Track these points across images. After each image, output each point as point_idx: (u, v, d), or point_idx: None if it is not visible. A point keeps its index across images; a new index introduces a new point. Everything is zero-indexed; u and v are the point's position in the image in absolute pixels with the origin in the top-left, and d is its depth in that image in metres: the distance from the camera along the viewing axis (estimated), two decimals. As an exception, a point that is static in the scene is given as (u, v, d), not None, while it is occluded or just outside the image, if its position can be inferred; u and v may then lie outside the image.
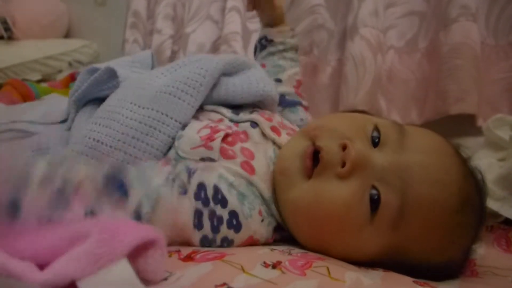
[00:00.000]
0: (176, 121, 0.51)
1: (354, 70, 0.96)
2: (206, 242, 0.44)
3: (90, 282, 0.27)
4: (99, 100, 0.56)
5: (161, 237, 0.32)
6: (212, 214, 0.43)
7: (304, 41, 1.11)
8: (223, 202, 0.44)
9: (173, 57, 1.36)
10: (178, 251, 0.41)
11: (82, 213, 0.34)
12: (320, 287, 0.35)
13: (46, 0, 1.83)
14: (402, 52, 1.01)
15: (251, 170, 0.48)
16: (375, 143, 0.45)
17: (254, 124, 0.53)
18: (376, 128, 0.46)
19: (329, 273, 0.38)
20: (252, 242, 0.47)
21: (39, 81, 1.56)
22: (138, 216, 0.39)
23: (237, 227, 0.45)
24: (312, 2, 1.10)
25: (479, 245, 0.56)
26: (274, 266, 0.37)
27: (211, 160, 0.48)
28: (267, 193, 0.49)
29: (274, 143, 0.52)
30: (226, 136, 0.50)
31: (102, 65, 0.60)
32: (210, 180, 0.45)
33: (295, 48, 0.78)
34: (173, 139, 0.51)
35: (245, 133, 0.52)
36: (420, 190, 0.42)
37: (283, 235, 0.50)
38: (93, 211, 0.35)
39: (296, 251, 0.45)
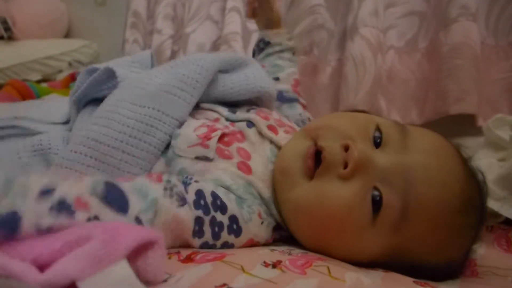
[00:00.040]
0: (172, 118, 0.51)
1: (354, 70, 0.97)
2: (206, 247, 0.44)
3: (90, 283, 0.27)
4: (100, 101, 0.56)
5: (161, 237, 0.32)
6: (213, 221, 0.43)
7: (304, 41, 1.11)
8: (223, 208, 0.44)
9: (173, 57, 1.36)
10: (178, 253, 0.41)
11: (84, 219, 0.33)
12: (320, 286, 0.35)
13: (46, 0, 1.83)
14: (402, 52, 1.01)
15: (248, 170, 0.48)
16: (377, 143, 0.45)
17: (250, 123, 0.53)
18: (378, 128, 0.46)
19: (329, 272, 0.38)
20: (252, 244, 0.47)
21: (39, 81, 1.56)
22: (136, 220, 0.38)
23: (237, 232, 0.45)
24: (312, 2, 1.10)
25: (479, 245, 0.56)
26: (274, 266, 0.37)
27: (207, 159, 0.48)
28: (267, 193, 0.48)
29: (271, 142, 0.52)
30: (223, 135, 0.50)
31: (101, 66, 0.60)
32: (208, 187, 0.44)
33: (292, 50, 0.80)
34: (170, 136, 0.51)
35: (241, 133, 0.52)
36: (423, 191, 0.42)
37: (282, 234, 0.50)
38: (96, 218, 0.34)
39: (296, 251, 0.45)
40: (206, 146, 0.48)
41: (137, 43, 1.44)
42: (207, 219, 0.43)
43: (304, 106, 0.74)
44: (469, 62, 0.86)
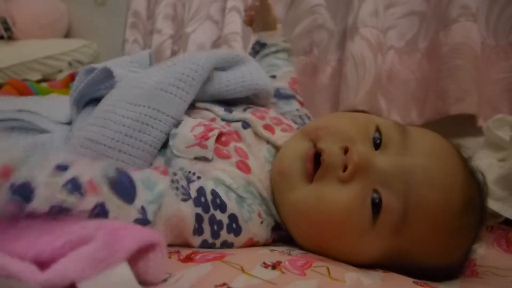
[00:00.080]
0: (168, 116, 0.51)
1: (354, 70, 0.96)
2: (206, 246, 0.44)
3: (90, 284, 0.27)
4: (99, 101, 0.56)
5: (162, 240, 0.32)
6: (212, 219, 0.43)
7: (304, 41, 1.11)
8: (222, 207, 0.44)
9: (173, 57, 1.36)
10: (178, 252, 0.41)
11: (92, 206, 0.34)
12: (320, 287, 0.35)
13: (46, 0, 1.83)
14: (402, 52, 1.01)
15: (247, 169, 0.48)
16: (377, 144, 0.45)
17: (246, 124, 0.53)
18: (378, 129, 0.46)
19: (329, 273, 0.38)
20: (252, 244, 0.47)
21: (39, 81, 1.56)
22: (141, 218, 0.39)
23: (237, 231, 0.45)
24: (312, 2, 1.10)
25: (479, 245, 0.56)
26: (274, 267, 0.37)
27: (206, 159, 0.48)
28: (265, 193, 0.48)
29: (268, 142, 0.52)
30: (220, 135, 0.50)
31: (99, 65, 0.60)
32: (208, 185, 0.45)
33: (287, 51, 0.81)
34: (166, 134, 0.51)
35: (237, 133, 0.52)
36: (423, 193, 0.41)
37: (281, 234, 0.50)
38: (102, 205, 0.35)
39: (296, 251, 0.45)
40: (204, 147, 0.48)
41: (137, 43, 1.44)
42: (206, 217, 0.43)
43: (301, 103, 0.74)
44: (469, 62, 0.86)
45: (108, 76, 0.58)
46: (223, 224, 0.44)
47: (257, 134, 0.52)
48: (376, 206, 0.42)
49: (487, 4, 0.91)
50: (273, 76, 0.75)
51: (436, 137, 0.47)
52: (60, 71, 1.66)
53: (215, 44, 1.30)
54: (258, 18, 0.81)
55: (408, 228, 0.42)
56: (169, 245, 0.36)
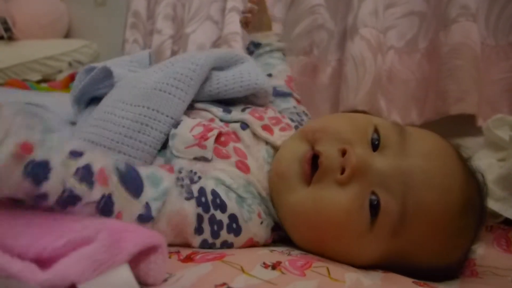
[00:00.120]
0: (167, 116, 0.51)
1: (354, 70, 0.96)
2: (206, 245, 0.44)
3: (90, 285, 0.27)
4: (100, 99, 0.56)
5: (164, 242, 0.32)
6: (212, 219, 0.43)
7: (304, 41, 1.11)
8: (223, 207, 0.44)
9: (172, 57, 1.36)
10: (178, 252, 0.41)
11: (98, 197, 0.34)
12: (320, 287, 0.35)
13: (46, 0, 1.83)
14: (402, 53, 1.01)
15: (247, 169, 0.48)
16: (375, 145, 0.45)
17: (245, 125, 0.53)
18: (376, 130, 0.46)
19: (329, 273, 0.38)
20: (251, 244, 0.47)
21: (39, 81, 1.56)
22: (144, 214, 0.39)
23: (237, 231, 0.45)
24: (312, 2, 1.10)
25: (479, 245, 0.56)
26: (273, 267, 0.37)
27: (205, 159, 0.48)
28: (264, 193, 0.48)
29: (267, 142, 0.52)
30: (220, 135, 0.50)
31: (99, 65, 0.60)
32: (209, 185, 0.45)
33: (282, 50, 0.82)
34: (166, 135, 0.51)
35: (235, 134, 0.52)
36: (422, 195, 0.41)
37: (281, 235, 0.50)
38: (110, 196, 0.35)
39: (296, 252, 0.45)
40: (204, 147, 0.48)
41: (137, 43, 1.44)
42: (206, 216, 0.43)
43: (298, 101, 0.74)
44: (469, 63, 0.86)
45: (107, 75, 0.58)
46: (223, 224, 0.44)
47: (255, 135, 0.52)
48: (374, 208, 0.42)
49: (487, 4, 0.91)
50: (269, 75, 0.75)
51: (435, 137, 0.47)
52: (60, 71, 1.66)
53: (215, 44, 1.30)
54: (254, 19, 0.82)
55: (407, 230, 0.42)
56: (169, 245, 0.36)
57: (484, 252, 0.58)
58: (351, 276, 0.39)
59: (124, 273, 0.29)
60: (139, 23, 1.45)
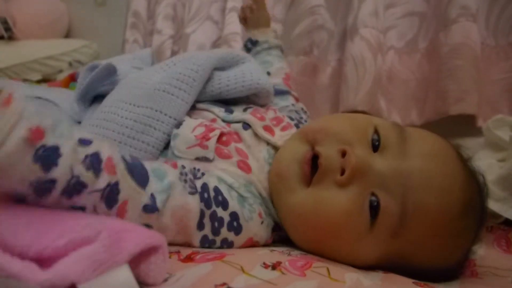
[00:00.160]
0: (170, 117, 0.51)
1: (354, 70, 0.96)
2: (206, 243, 0.44)
3: (90, 286, 0.27)
4: (104, 97, 0.56)
5: (164, 242, 0.32)
6: (214, 215, 0.43)
7: (304, 41, 1.11)
8: (224, 204, 0.44)
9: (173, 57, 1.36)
10: (178, 252, 0.41)
11: (104, 184, 0.34)
12: (320, 287, 0.35)
13: (46, 0, 1.83)
14: (402, 53, 1.01)
15: (248, 169, 0.48)
16: (375, 146, 0.45)
17: (246, 125, 0.53)
18: (376, 131, 0.45)
19: (329, 273, 0.38)
20: (251, 244, 0.47)
21: (39, 81, 1.56)
22: (150, 204, 0.38)
23: (237, 229, 0.45)
24: (312, 3, 1.10)
25: (479, 246, 0.56)
26: (274, 267, 0.37)
27: (207, 159, 0.48)
28: (264, 193, 0.48)
29: (268, 143, 0.52)
30: (221, 135, 0.50)
31: (102, 62, 0.61)
32: (212, 182, 0.45)
33: (279, 47, 0.82)
34: (168, 136, 0.51)
35: (237, 134, 0.52)
36: (422, 196, 0.41)
37: (281, 235, 0.50)
38: (116, 184, 0.35)
39: (296, 252, 0.45)
40: (205, 147, 0.48)
41: (137, 43, 1.44)
42: (207, 212, 0.43)
43: (296, 98, 0.74)
44: (469, 63, 0.86)
45: (111, 72, 0.58)
46: (224, 221, 0.44)
47: (257, 135, 0.52)
48: (374, 209, 0.42)
49: (487, 4, 0.91)
50: (267, 73, 0.75)
51: (435, 138, 0.47)
52: (60, 71, 1.66)
53: (215, 45, 1.30)
54: (252, 16, 0.82)
55: (407, 231, 0.42)
56: (170, 245, 0.36)
57: (484, 253, 0.58)
58: (351, 276, 0.39)
59: (124, 273, 0.29)
60: (139, 23, 1.45)
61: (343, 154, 0.43)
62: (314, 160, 0.45)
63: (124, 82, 0.56)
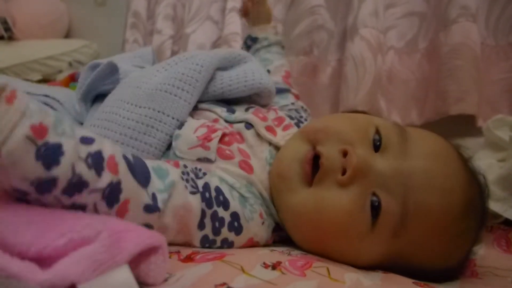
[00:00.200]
0: (173, 118, 0.51)
1: (354, 70, 0.96)
2: (206, 242, 0.44)
3: (90, 286, 0.27)
4: (106, 96, 0.56)
5: (164, 242, 0.32)
6: (215, 215, 0.43)
7: (304, 41, 1.11)
8: (225, 204, 0.44)
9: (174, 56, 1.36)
10: (178, 252, 0.41)
11: (106, 183, 0.33)
12: (320, 287, 0.35)
13: (46, 0, 1.83)
14: (402, 53, 1.01)
15: (250, 169, 0.48)
16: (377, 146, 0.45)
17: (249, 125, 0.52)
18: (378, 131, 0.45)
19: (329, 273, 0.38)
20: (252, 244, 0.47)
21: (39, 81, 1.56)
22: (151, 204, 0.38)
23: (238, 230, 0.45)
24: (312, 3, 1.10)
25: (480, 246, 0.56)
26: (274, 267, 0.37)
27: (208, 160, 0.48)
28: (265, 194, 0.48)
29: (270, 143, 0.52)
30: (223, 136, 0.50)
31: (104, 61, 0.60)
32: (213, 182, 0.45)
33: (279, 44, 0.81)
34: (171, 137, 0.51)
35: (240, 134, 0.52)
36: (423, 196, 0.41)
37: (281, 235, 0.50)
38: (118, 183, 0.35)
39: (296, 252, 0.45)
40: (207, 148, 0.48)
41: (137, 43, 1.44)
42: (209, 212, 0.43)
43: (296, 96, 0.73)
44: (469, 63, 0.86)
45: (113, 70, 0.58)
46: (225, 221, 0.44)
47: (259, 135, 0.52)
48: (375, 209, 0.42)
49: (487, 4, 0.91)
50: (267, 71, 0.75)
51: (436, 138, 0.47)
52: (60, 71, 1.66)
53: (215, 45, 1.30)
54: (253, 10, 0.82)
55: (408, 231, 0.42)
56: (170, 245, 0.36)
57: (484, 253, 0.58)
58: (351, 276, 0.39)
59: (124, 274, 0.29)
60: (139, 23, 1.45)
61: (345, 154, 0.43)
62: (315, 160, 0.45)
63: (125, 82, 0.56)
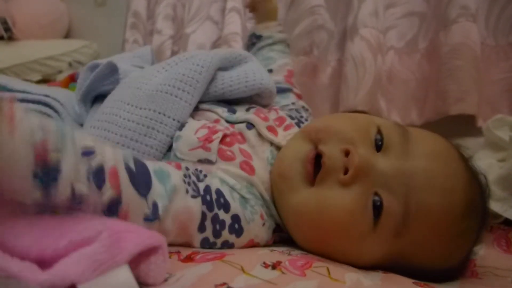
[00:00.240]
0: (174, 119, 0.51)
1: (354, 70, 0.96)
2: (206, 244, 0.44)
3: (90, 286, 0.27)
4: (105, 97, 0.56)
5: (164, 243, 0.32)
6: (215, 218, 0.43)
7: (304, 41, 1.11)
8: (226, 207, 0.44)
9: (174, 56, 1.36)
10: (178, 252, 0.41)
11: (107, 197, 0.33)
12: (320, 287, 0.35)
13: (46, 0, 1.83)
14: (402, 53, 1.01)
15: (251, 170, 0.48)
16: (378, 146, 0.45)
17: (250, 125, 0.52)
18: (379, 131, 0.45)
19: (329, 273, 0.38)
20: (252, 245, 0.47)
21: (39, 82, 1.56)
22: (150, 214, 0.38)
23: (238, 232, 0.45)
24: (312, 3, 1.10)
25: (480, 247, 0.56)
26: (274, 267, 0.37)
27: (209, 161, 0.48)
28: (266, 194, 0.48)
29: (271, 144, 0.52)
30: (224, 136, 0.50)
31: (103, 61, 0.60)
32: (214, 184, 0.44)
33: (284, 42, 0.81)
34: (172, 138, 0.50)
35: (241, 134, 0.52)
36: (424, 196, 0.41)
37: (282, 236, 0.50)
38: (119, 197, 0.35)
39: (296, 252, 0.45)
40: (208, 149, 0.48)
41: (137, 44, 1.44)
42: (209, 215, 0.43)
43: (298, 96, 0.73)
44: (469, 63, 0.86)
45: (113, 71, 0.58)
46: (226, 224, 0.44)
47: (260, 135, 0.52)
48: (377, 209, 0.42)
49: (487, 4, 0.91)
50: (270, 70, 0.75)
51: (437, 139, 0.47)
52: (60, 71, 1.66)
53: (215, 45, 1.30)
54: (260, 6, 0.81)
55: (410, 231, 0.42)
56: (170, 245, 0.36)
57: (484, 253, 0.58)
58: (351, 276, 0.39)
59: (124, 274, 0.29)
60: (139, 23, 1.45)
61: (347, 153, 0.43)
62: (317, 160, 0.45)
63: (125, 82, 0.55)
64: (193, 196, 0.42)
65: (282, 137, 0.52)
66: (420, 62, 0.98)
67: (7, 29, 1.65)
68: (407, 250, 0.43)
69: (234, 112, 0.55)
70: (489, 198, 0.47)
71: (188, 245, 0.43)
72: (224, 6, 1.26)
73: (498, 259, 0.56)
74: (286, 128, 0.54)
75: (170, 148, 0.51)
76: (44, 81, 1.58)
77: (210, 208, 0.43)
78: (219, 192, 0.44)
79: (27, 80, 1.49)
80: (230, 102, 0.58)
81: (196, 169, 0.45)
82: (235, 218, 0.44)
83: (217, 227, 0.43)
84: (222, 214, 0.43)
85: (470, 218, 0.43)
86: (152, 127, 0.50)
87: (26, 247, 0.28)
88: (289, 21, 1.14)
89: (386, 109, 1.00)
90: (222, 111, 0.55)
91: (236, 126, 0.53)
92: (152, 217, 0.38)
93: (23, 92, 0.59)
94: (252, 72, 0.57)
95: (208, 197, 0.43)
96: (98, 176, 0.33)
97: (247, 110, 0.56)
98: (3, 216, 0.30)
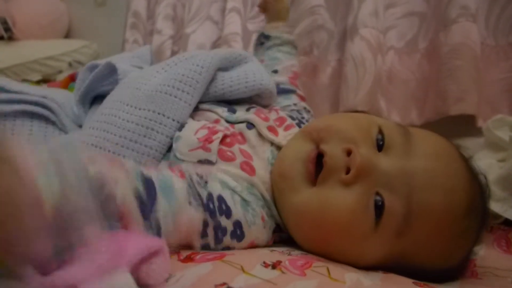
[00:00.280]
0: (173, 120, 0.51)
1: (354, 70, 0.96)
2: (207, 249, 0.43)
3: (90, 289, 0.27)
4: (104, 98, 0.56)
5: (165, 245, 0.32)
6: (217, 225, 0.43)
7: (304, 41, 1.11)
8: (228, 213, 0.43)
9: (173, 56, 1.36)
10: (178, 253, 0.41)
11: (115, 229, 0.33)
12: (320, 287, 0.35)
13: (46, 0, 1.83)
14: (402, 53, 1.01)
15: (252, 171, 0.48)
16: (380, 145, 0.44)
17: (250, 125, 0.52)
18: (380, 131, 0.45)
19: (329, 273, 0.38)
20: (252, 246, 0.46)
21: (39, 82, 1.56)
22: (156, 232, 0.38)
23: (239, 237, 0.44)
24: (312, 3, 1.10)
25: (480, 247, 0.56)
26: (274, 266, 0.37)
27: (209, 162, 0.47)
28: (267, 195, 0.48)
29: (272, 144, 0.52)
30: (225, 137, 0.49)
31: (102, 61, 0.60)
32: (216, 190, 0.44)
33: (291, 43, 0.81)
34: (171, 139, 0.50)
35: (241, 134, 0.51)
36: (425, 196, 0.41)
37: (282, 236, 0.50)
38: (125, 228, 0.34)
39: (296, 252, 0.45)
40: (208, 150, 0.48)
41: (137, 44, 1.44)
42: (211, 223, 0.42)
43: (302, 98, 0.73)
44: (469, 63, 0.86)
45: (112, 71, 0.58)
46: (227, 231, 0.43)
47: (261, 135, 0.52)
48: (379, 208, 0.42)
49: (487, 4, 0.91)
50: (275, 71, 0.75)
51: (438, 139, 0.47)
52: (60, 71, 1.66)
53: (215, 45, 1.30)
54: (271, 6, 0.82)
55: (411, 231, 0.42)
56: (170, 246, 0.36)
57: (484, 253, 0.58)
58: (351, 276, 0.39)
59: (124, 277, 0.29)
60: (139, 23, 1.45)
61: (348, 153, 0.43)
62: (318, 159, 0.45)
63: (124, 82, 0.55)
64: (196, 206, 0.41)
65: (282, 137, 0.52)
66: (420, 62, 0.98)
67: (7, 29, 1.65)
68: (408, 250, 0.43)
69: (234, 112, 0.55)
70: (489, 198, 0.47)
71: (188, 247, 0.43)
72: (224, 6, 1.26)
73: (498, 260, 0.56)
74: (287, 128, 0.54)
75: (169, 148, 0.51)
76: (44, 81, 1.58)
77: (212, 216, 0.42)
78: (220, 199, 0.44)
79: (27, 80, 1.49)
80: (230, 102, 0.58)
81: (198, 175, 0.45)
82: (237, 224, 0.44)
83: (219, 234, 0.43)
84: (224, 221, 0.43)
85: (471, 218, 0.43)
86: (152, 128, 0.49)
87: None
88: (289, 21, 1.14)
89: (386, 109, 1.00)
90: (222, 111, 0.54)
91: (236, 126, 0.52)
92: (156, 235, 0.38)
93: (21, 93, 0.58)
94: (252, 73, 0.57)
95: (211, 205, 0.42)
96: (109, 213, 0.32)
97: (247, 110, 0.56)
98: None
